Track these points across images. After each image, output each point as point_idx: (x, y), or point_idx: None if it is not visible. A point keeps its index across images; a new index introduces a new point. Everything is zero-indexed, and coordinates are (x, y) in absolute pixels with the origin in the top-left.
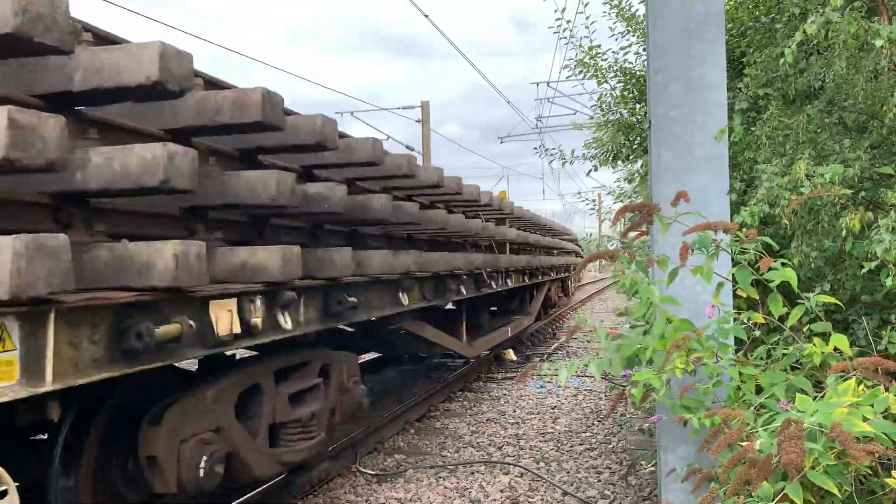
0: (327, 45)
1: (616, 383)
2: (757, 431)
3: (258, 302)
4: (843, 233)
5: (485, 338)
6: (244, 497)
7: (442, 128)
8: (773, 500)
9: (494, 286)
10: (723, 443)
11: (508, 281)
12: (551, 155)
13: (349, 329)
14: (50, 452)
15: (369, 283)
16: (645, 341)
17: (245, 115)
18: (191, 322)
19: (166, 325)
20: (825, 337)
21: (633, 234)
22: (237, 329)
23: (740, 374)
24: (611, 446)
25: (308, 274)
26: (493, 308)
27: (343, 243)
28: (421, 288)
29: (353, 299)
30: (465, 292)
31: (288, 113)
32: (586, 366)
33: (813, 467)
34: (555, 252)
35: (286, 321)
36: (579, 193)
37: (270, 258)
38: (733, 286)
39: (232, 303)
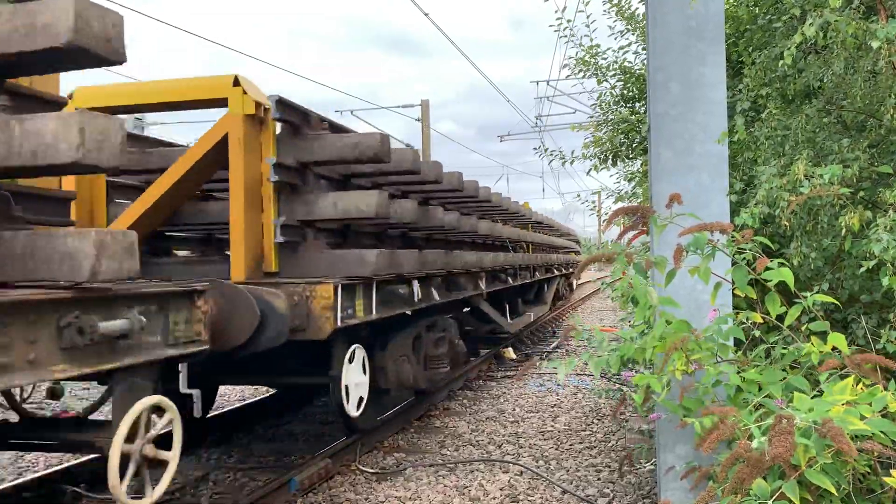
0: (327, 43)
1: (617, 384)
2: (749, 427)
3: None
4: (843, 232)
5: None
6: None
7: (438, 125)
8: (769, 498)
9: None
10: (714, 438)
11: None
12: (552, 154)
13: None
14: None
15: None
16: (643, 342)
17: None
18: None
19: None
20: (824, 336)
21: (629, 235)
22: None
23: (742, 379)
24: (610, 445)
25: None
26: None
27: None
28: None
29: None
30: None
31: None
32: (586, 363)
33: (810, 465)
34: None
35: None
36: (579, 195)
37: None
38: (732, 286)
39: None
